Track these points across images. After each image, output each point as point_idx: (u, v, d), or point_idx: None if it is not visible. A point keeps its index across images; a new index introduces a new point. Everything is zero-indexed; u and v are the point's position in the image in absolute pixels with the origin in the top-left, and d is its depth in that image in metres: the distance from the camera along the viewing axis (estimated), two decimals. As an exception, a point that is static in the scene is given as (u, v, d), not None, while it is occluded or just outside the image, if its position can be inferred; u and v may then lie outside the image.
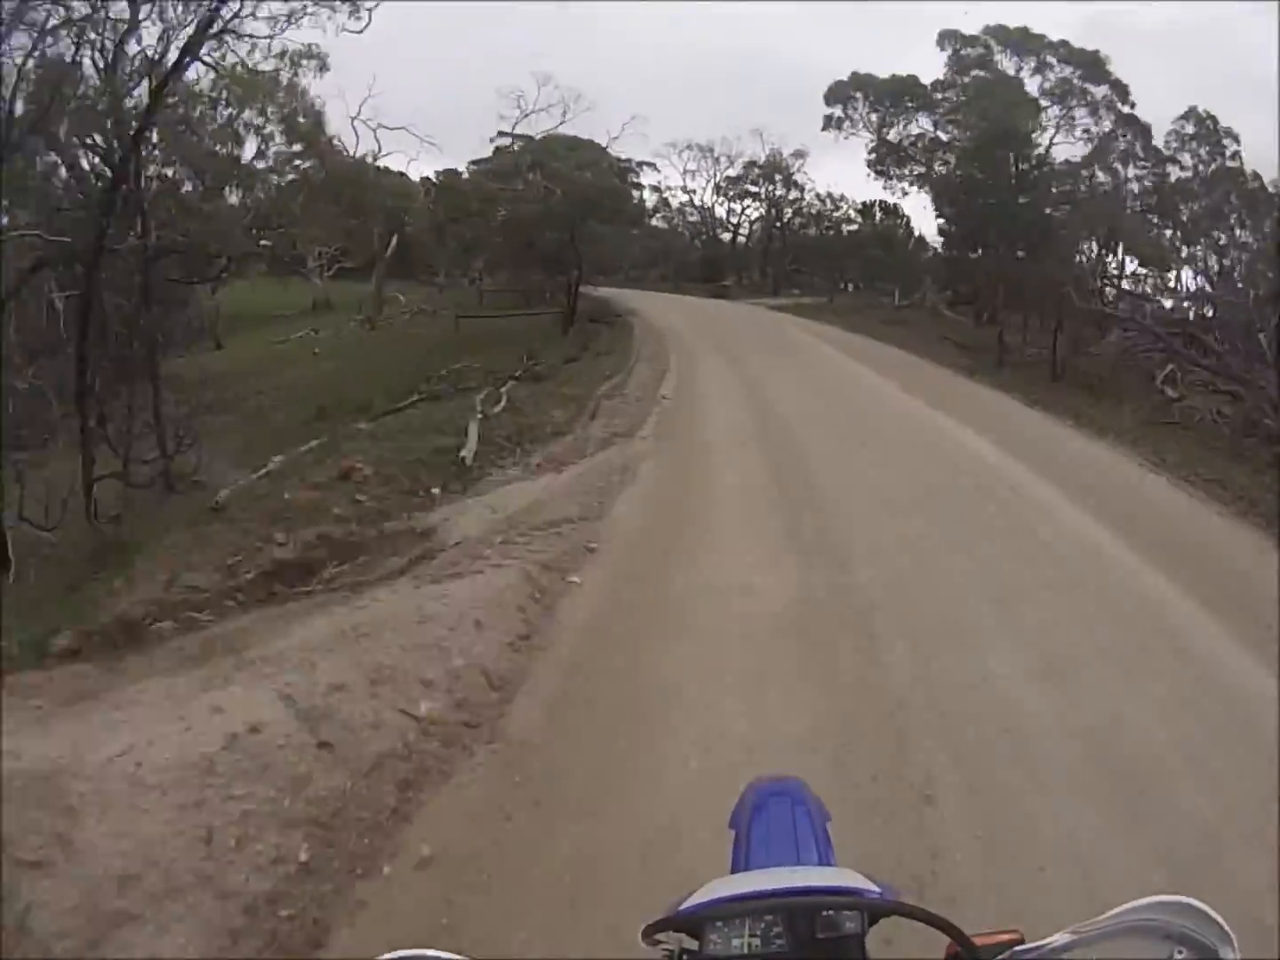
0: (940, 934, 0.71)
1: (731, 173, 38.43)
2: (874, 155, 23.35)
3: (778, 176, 37.98)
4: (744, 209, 39.95)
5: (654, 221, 41.50)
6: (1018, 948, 0.72)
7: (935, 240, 26.46)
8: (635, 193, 38.36)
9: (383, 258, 24.20)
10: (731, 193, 39.22)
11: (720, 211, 39.98)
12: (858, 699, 3.46)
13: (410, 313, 24.39)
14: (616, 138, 23.72)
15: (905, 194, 24.31)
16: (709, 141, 39.16)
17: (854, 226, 38.70)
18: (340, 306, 24.16)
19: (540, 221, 18.78)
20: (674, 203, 40.97)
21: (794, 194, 38.05)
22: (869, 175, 24.12)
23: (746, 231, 40.66)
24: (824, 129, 23.86)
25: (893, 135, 22.92)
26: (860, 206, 38.73)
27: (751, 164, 37.31)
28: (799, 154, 36.58)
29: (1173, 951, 0.70)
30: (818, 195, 37.12)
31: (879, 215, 40.54)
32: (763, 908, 0.75)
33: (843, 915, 0.75)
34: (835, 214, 38.00)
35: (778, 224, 38.74)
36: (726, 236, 40.38)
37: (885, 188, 24.37)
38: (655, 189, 39.57)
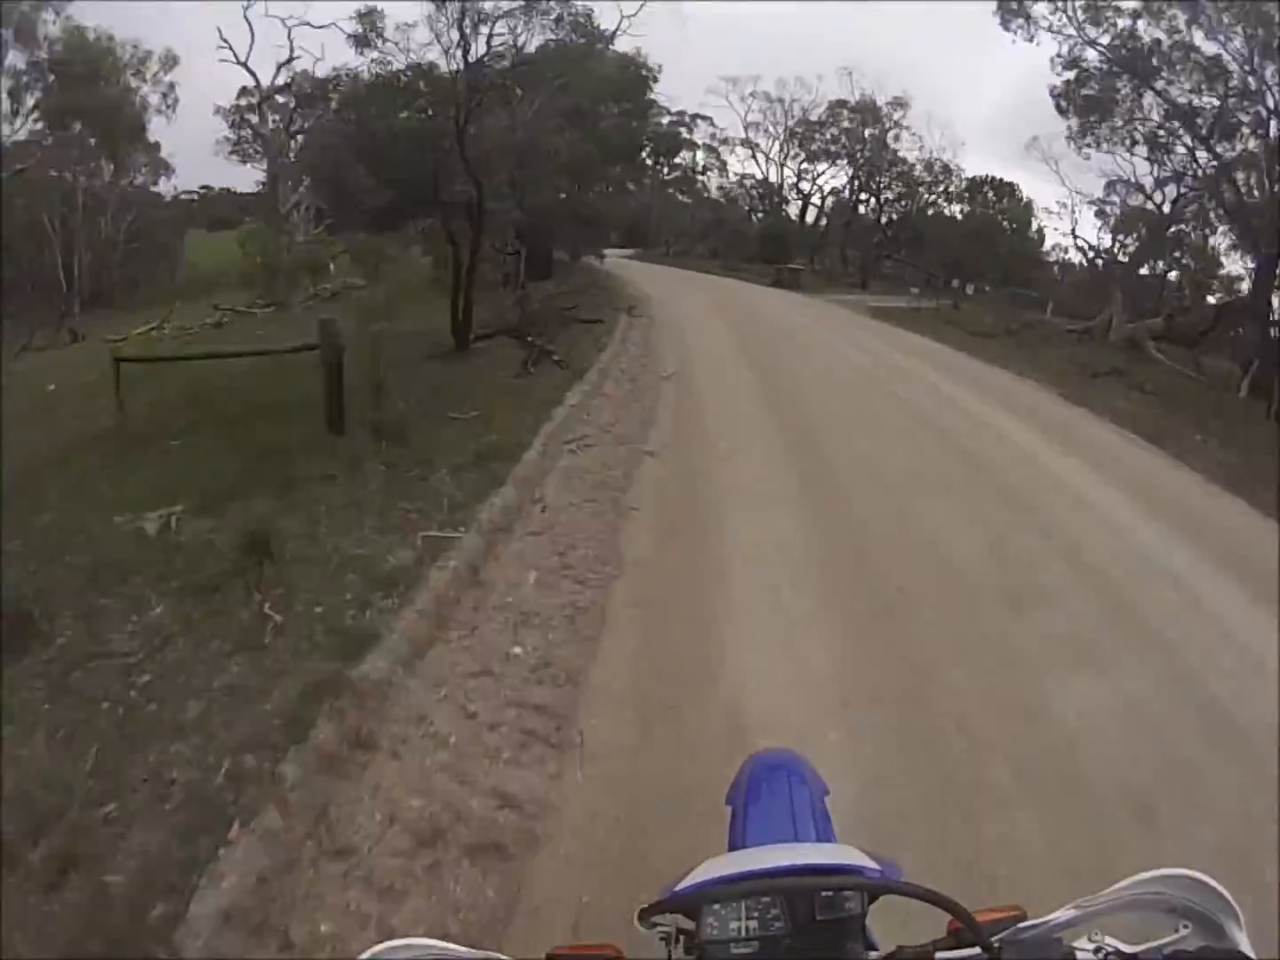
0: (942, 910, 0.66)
1: (811, 118, 29.78)
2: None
3: (867, 133, 28.82)
4: (819, 174, 31.45)
5: (710, 187, 33.79)
6: (1020, 924, 0.70)
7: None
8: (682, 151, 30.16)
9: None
10: (805, 149, 30.43)
11: (789, 176, 32.10)
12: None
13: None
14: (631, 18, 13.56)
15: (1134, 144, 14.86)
16: (779, 85, 30.96)
17: (959, 206, 29.99)
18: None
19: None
20: (728, 161, 33.40)
21: (887, 156, 29.15)
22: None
23: (819, 202, 32.30)
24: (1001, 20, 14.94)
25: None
26: (968, 181, 29.79)
27: (839, 104, 28.32)
28: (898, 103, 27.42)
29: (1177, 925, 0.69)
30: (924, 161, 28.05)
31: (989, 194, 31.50)
32: (759, 889, 0.73)
33: (842, 895, 0.73)
34: (943, 187, 28.96)
35: (864, 195, 29.86)
36: (794, 209, 32.81)
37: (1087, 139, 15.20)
38: (709, 146, 31.81)
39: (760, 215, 33.25)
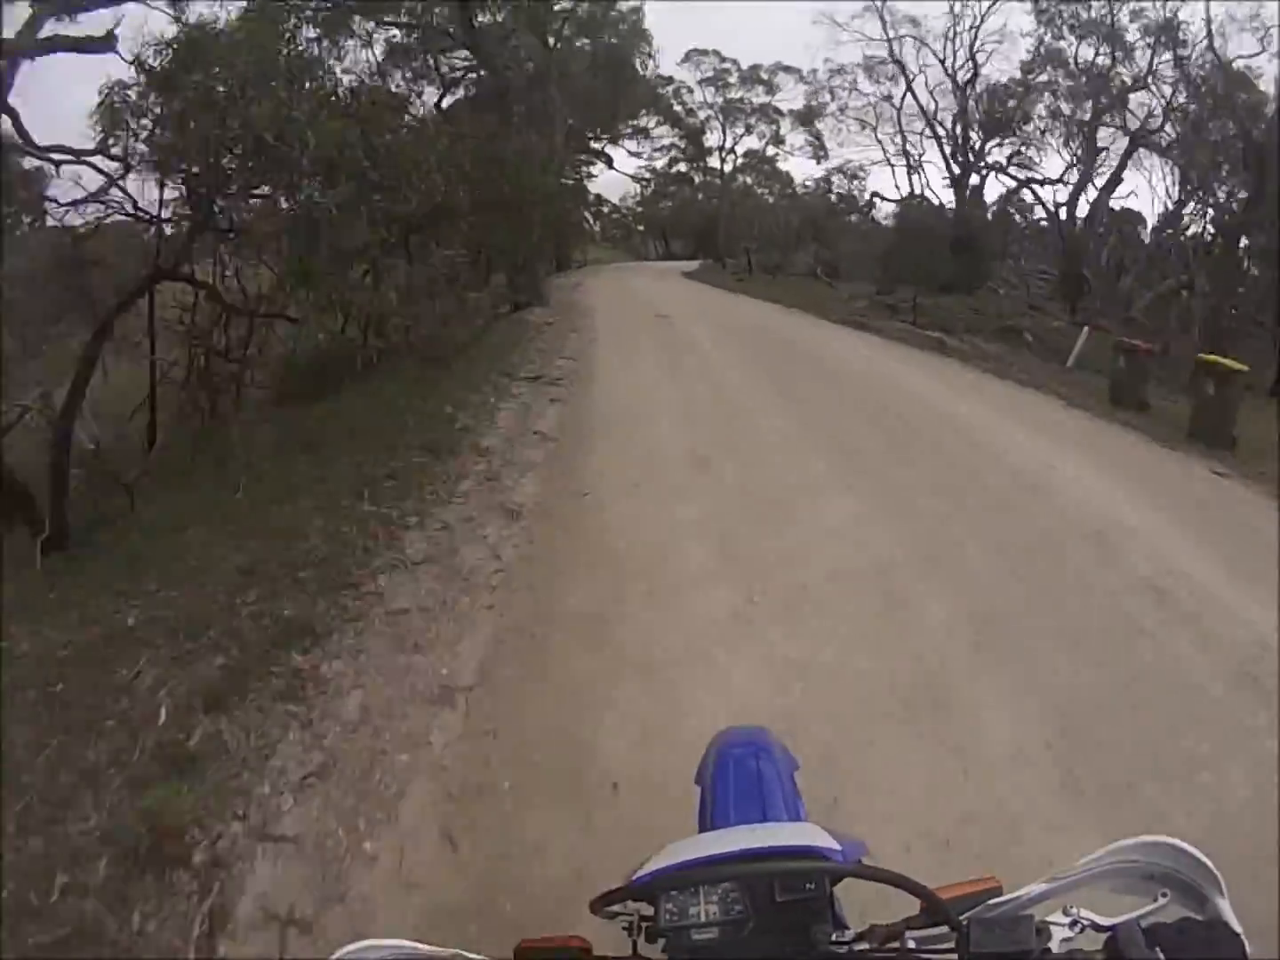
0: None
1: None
2: None
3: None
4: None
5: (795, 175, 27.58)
6: (994, 899, 0.70)
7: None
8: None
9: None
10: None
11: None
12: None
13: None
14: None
15: None
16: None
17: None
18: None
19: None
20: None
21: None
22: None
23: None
24: None
25: None
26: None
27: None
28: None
29: (1156, 893, 0.68)
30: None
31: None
32: (710, 875, 0.72)
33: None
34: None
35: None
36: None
37: None
38: (801, 114, 25.23)
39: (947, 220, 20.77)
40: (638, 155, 27.69)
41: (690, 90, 25.65)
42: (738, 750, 1.19)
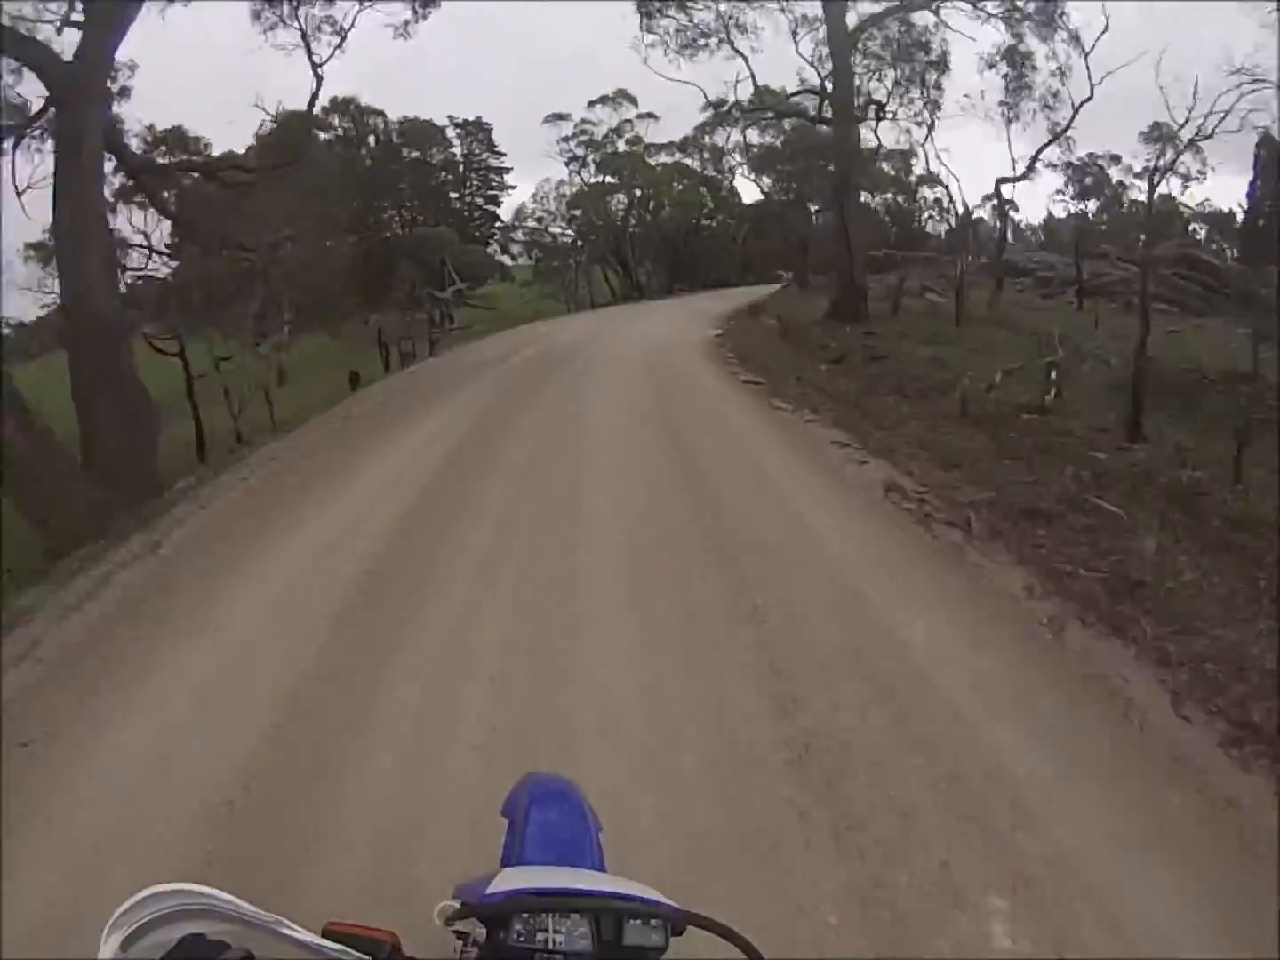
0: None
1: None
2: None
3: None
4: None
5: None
6: None
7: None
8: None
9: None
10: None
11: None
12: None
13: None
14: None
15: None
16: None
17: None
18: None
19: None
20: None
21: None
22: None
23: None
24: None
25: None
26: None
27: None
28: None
29: None
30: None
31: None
32: (581, 905, 0.75)
33: (650, 926, 0.75)
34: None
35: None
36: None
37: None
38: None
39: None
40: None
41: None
42: (549, 797, 1.19)
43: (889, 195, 27.60)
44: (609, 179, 28.79)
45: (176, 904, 0.65)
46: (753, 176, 26.77)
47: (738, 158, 27.16)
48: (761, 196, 28.19)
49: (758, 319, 16.91)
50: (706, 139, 28.16)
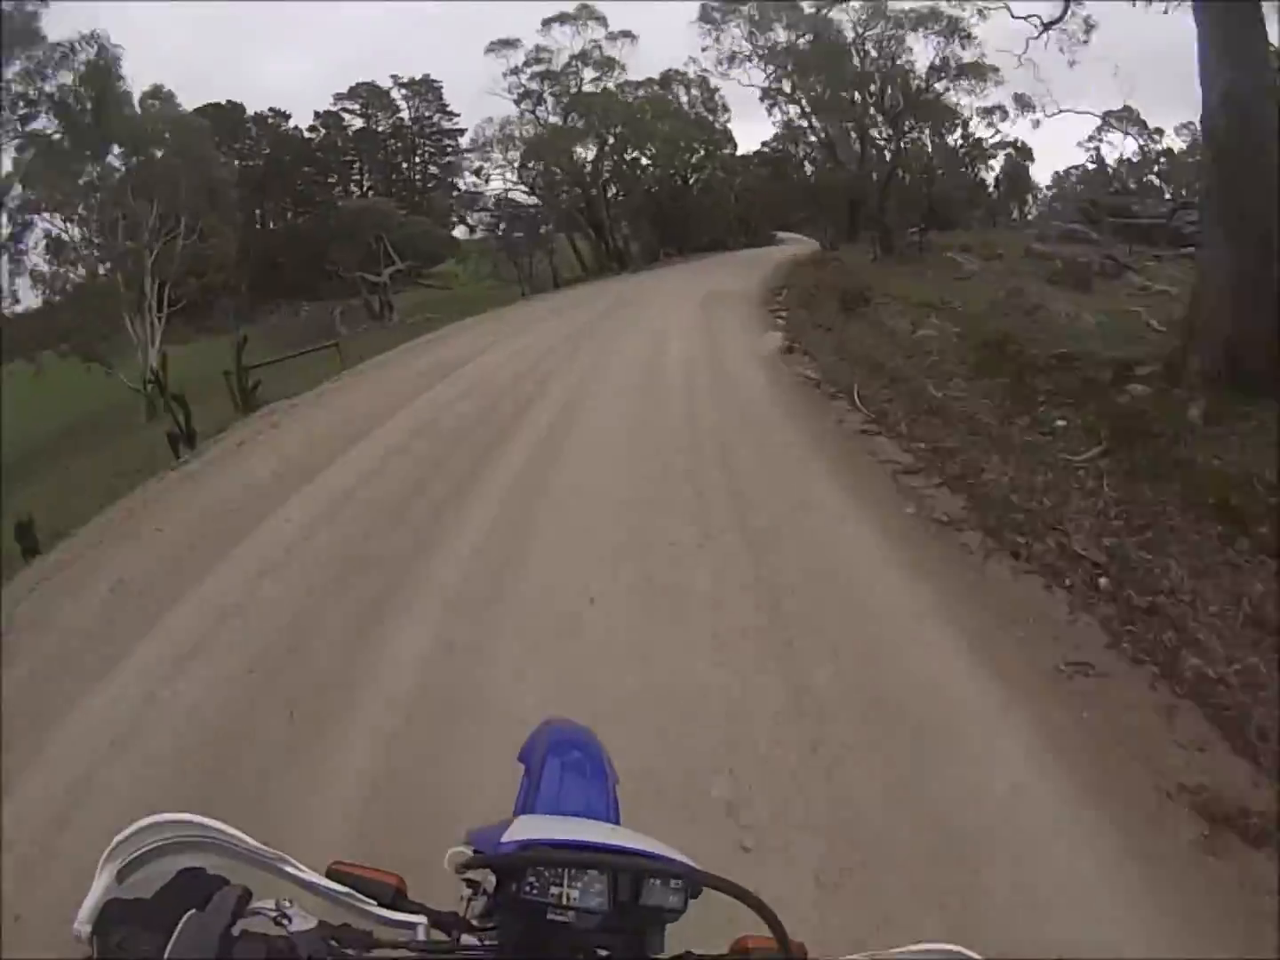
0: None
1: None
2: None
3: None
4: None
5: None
6: None
7: None
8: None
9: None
10: None
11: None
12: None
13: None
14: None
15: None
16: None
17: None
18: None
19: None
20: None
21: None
22: None
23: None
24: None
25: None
26: None
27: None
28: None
29: None
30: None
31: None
32: (601, 862, 0.71)
33: (670, 888, 0.72)
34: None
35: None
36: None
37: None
38: None
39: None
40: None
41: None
42: (567, 747, 1.09)
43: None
44: (574, 120, 23.06)
45: (176, 835, 0.64)
46: (769, 102, 21.54)
47: (746, 79, 21.71)
48: (770, 136, 23.20)
49: (853, 310, 10.30)
50: (697, 61, 22.89)
